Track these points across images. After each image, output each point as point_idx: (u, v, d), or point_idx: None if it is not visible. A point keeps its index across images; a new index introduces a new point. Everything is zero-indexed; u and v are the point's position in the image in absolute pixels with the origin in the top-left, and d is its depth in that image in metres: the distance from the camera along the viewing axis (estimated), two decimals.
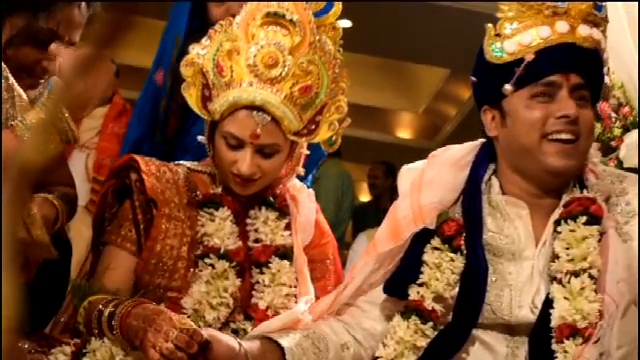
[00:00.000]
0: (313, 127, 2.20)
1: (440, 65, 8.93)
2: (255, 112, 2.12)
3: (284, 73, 2.12)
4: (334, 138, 2.24)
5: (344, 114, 2.24)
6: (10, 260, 0.49)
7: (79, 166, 2.30)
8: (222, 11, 2.66)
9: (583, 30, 1.98)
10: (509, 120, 2.02)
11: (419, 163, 2.18)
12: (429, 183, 2.11)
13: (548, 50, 1.97)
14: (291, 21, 2.15)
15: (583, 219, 1.98)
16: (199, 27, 2.62)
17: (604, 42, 2.02)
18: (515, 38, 2.00)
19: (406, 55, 8.56)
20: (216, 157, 2.20)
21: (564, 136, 1.97)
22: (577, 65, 1.98)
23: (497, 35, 2.02)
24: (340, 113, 2.23)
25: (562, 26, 1.98)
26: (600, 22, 2.01)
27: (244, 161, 2.14)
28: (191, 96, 2.21)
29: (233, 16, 2.25)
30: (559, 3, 1.99)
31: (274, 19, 2.15)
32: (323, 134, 2.22)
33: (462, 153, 2.14)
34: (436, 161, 2.15)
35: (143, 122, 2.82)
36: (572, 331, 1.90)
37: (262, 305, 2.17)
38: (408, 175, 2.17)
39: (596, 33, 1.99)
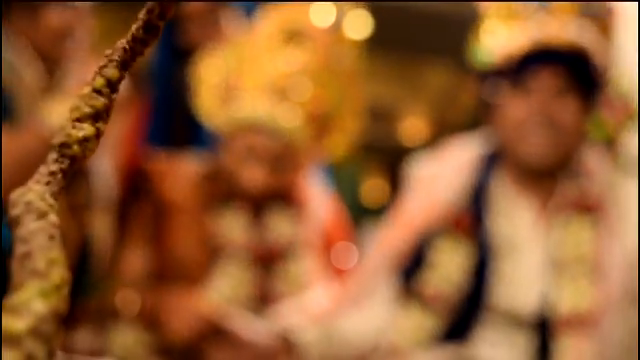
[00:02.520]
0: (324, 142, 2.24)
1: (449, 66, 8.93)
2: (266, 131, 2.15)
3: (297, 93, 2.15)
4: (344, 150, 2.28)
5: (356, 128, 2.27)
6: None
7: (106, 165, 2.33)
8: (201, 34, 2.65)
9: (566, 32, 2.02)
10: (498, 118, 2.09)
11: (427, 161, 2.23)
12: (438, 181, 2.15)
13: (531, 53, 2.03)
14: (308, 39, 2.17)
15: (579, 212, 2.04)
16: (183, 54, 2.62)
17: (593, 41, 2.06)
18: (498, 42, 2.06)
19: (415, 57, 8.56)
20: (226, 161, 2.24)
21: (541, 133, 2.03)
22: (560, 67, 2.03)
23: (482, 39, 2.08)
24: (352, 126, 2.26)
25: (544, 29, 2.02)
26: (588, 21, 2.05)
27: (252, 175, 2.17)
28: (202, 102, 2.24)
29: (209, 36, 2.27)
30: (542, 5, 2.03)
31: (290, 37, 2.18)
32: (334, 148, 2.25)
33: (468, 149, 2.19)
34: (444, 159, 2.20)
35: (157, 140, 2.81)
36: (572, 321, 1.96)
37: (280, 301, 2.21)
38: (417, 174, 2.22)
39: (581, 33, 2.03)
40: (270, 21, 2.22)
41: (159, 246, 2.21)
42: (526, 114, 2.04)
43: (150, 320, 2.09)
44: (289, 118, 2.14)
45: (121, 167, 2.50)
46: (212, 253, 2.20)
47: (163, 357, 2.07)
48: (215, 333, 2.03)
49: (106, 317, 2.16)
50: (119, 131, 2.70)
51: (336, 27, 2.25)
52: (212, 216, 2.23)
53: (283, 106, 2.14)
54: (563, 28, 2.02)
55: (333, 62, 2.20)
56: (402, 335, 2.06)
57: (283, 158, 2.17)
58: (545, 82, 2.04)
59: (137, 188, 2.27)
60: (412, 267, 2.10)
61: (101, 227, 2.28)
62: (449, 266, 2.06)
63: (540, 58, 2.03)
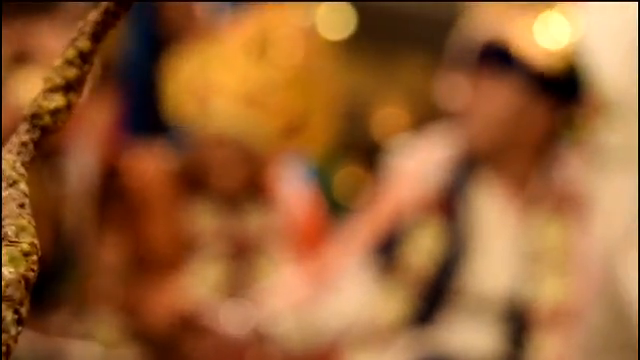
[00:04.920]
0: (296, 143, 2.25)
1: (427, 59, 8.93)
2: (239, 141, 2.16)
3: (272, 100, 2.15)
4: (319, 149, 2.29)
5: (330, 127, 2.28)
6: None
7: (88, 156, 2.34)
8: (179, 22, 2.63)
9: (499, 26, 2.08)
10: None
11: (405, 153, 2.24)
12: (415, 171, 2.17)
13: (475, 51, 2.12)
14: (282, 45, 2.17)
15: (551, 204, 2.07)
16: (162, 43, 2.62)
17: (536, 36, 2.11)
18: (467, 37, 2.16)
19: (392, 49, 8.58)
20: (198, 159, 2.24)
21: (468, 125, 2.12)
22: (498, 64, 2.09)
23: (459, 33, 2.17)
24: (326, 127, 2.26)
25: (489, 24, 2.08)
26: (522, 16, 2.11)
27: (222, 172, 2.18)
28: (173, 102, 2.24)
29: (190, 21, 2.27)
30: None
31: (265, 43, 2.18)
32: (308, 146, 2.26)
33: (444, 140, 2.21)
34: (421, 150, 2.21)
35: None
36: (545, 311, 1.99)
37: (255, 291, 2.22)
38: (395, 165, 2.23)
39: (509, 28, 2.09)
40: (245, 27, 2.22)
41: (133, 240, 2.21)
42: (463, 108, 2.12)
43: (127, 310, 2.09)
44: (263, 126, 2.15)
45: (100, 160, 2.51)
46: (186, 247, 2.21)
47: (140, 344, 2.08)
48: (190, 326, 2.04)
49: (84, 304, 2.16)
50: (99, 123, 2.71)
51: (312, 30, 2.26)
52: (185, 210, 2.23)
53: (257, 113, 2.14)
54: (504, 26, 2.07)
55: (308, 67, 2.21)
56: (378, 317, 2.08)
57: (256, 161, 2.18)
58: (482, 80, 2.09)
59: (112, 182, 2.28)
60: (387, 251, 2.11)
61: (80, 217, 2.29)
62: (423, 251, 2.08)
63: (484, 56, 2.09)
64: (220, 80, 2.18)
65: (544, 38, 2.08)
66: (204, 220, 2.23)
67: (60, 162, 2.24)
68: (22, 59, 2.08)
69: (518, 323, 2.02)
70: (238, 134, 2.15)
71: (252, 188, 2.27)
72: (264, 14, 2.24)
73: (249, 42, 2.18)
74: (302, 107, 2.21)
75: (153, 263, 2.20)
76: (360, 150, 8.19)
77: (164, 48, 2.54)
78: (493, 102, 2.10)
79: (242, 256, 2.25)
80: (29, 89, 1.98)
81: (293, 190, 2.41)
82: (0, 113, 1.90)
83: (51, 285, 2.18)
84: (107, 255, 2.22)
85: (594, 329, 2.01)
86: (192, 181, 2.26)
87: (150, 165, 2.28)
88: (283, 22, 2.22)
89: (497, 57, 2.08)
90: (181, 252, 2.21)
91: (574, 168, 2.15)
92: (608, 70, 2.22)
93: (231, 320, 2.12)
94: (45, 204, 2.05)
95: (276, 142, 2.19)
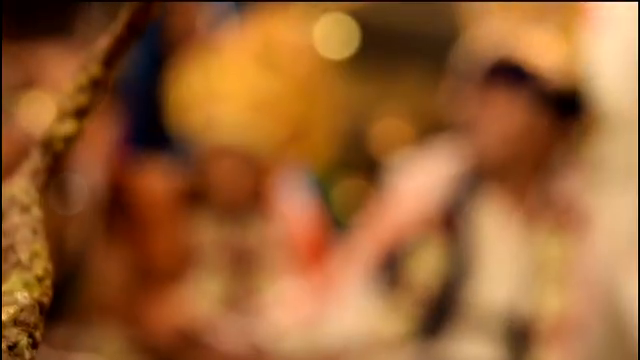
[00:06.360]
0: (299, 152, 2.25)
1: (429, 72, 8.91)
2: (240, 149, 2.17)
3: (272, 110, 2.16)
4: (320, 161, 2.30)
5: (330, 142, 2.29)
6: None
7: (96, 174, 2.35)
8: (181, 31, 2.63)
9: (508, 43, 2.13)
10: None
11: (409, 169, 2.25)
12: (420, 190, 2.17)
13: (486, 66, 2.14)
14: (283, 61, 2.19)
15: (552, 218, 2.08)
16: (164, 55, 2.62)
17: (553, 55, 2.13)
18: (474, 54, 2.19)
19: (394, 63, 8.58)
20: (201, 172, 2.26)
21: (476, 140, 2.13)
22: (510, 81, 2.12)
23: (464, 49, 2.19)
24: (326, 141, 2.27)
25: (497, 40, 2.14)
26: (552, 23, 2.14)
27: (226, 182, 2.19)
28: (176, 115, 2.25)
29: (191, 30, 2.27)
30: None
31: (265, 55, 2.19)
32: (310, 158, 2.27)
33: (446, 155, 2.22)
34: (423, 166, 2.22)
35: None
36: (545, 325, 1.99)
37: (257, 304, 2.22)
38: (396, 181, 2.24)
39: (519, 44, 2.12)
40: (248, 37, 2.23)
41: (137, 254, 2.22)
42: (471, 123, 2.12)
43: (131, 323, 2.10)
44: (266, 133, 2.16)
45: (105, 175, 2.52)
46: (189, 260, 2.22)
47: (144, 356, 2.08)
48: (191, 341, 2.04)
49: (89, 317, 2.16)
50: (104, 138, 2.71)
51: (313, 47, 2.27)
52: (188, 223, 2.24)
53: (260, 121, 2.16)
54: (522, 43, 2.09)
55: (311, 78, 2.22)
56: (381, 333, 2.08)
57: (259, 171, 2.19)
58: (492, 96, 2.10)
59: (117, 197, 2.28)
60: (391, 267, 2.12)
61: (84, 232, 2.29)
62: (426, 268, 2.08)
63: (495, 72, 2.10)
64: (224, 89, 2.19)
65: (552, 54, 2.09)
66: (206, 233, 2.24)
67: (65, 178, 2.25)
68: (27, 85, 2.08)
69: (520, 337, 2.02)
70: (242, 142, 2.16)
71: (254, 201, 2.28)
72: (267, 24, 2.25)
73: (252, 52, 2.19)
74: (305, 116, 2.22)
75: (156, 277, 2.20)
76: (362, 164, 8.18)
77: (167, 62, 2.55)
78: (504, 118, 2.10)
79: (244, 269, 2.25)
80: (34, 115, 1.99)
81: (295, 203, 2.42)
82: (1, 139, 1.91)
83: (56, 298, 2.18)
84: (111, 269, 2.23)
85: (595, 343, 2.02)
86: (195, 194, 2.27)
87: (154, 181, 2.29)
88: (286, 33, 2.23)
89: (508, 74, 2.09)
90: (184, 266, 2.21)
91: (575, 183, 2.15)
92: (610, 85, 2.23)
93: (232, 334, 2.12)
94: (50, 219, 2.06)
95: (279, 150, 2.19)
